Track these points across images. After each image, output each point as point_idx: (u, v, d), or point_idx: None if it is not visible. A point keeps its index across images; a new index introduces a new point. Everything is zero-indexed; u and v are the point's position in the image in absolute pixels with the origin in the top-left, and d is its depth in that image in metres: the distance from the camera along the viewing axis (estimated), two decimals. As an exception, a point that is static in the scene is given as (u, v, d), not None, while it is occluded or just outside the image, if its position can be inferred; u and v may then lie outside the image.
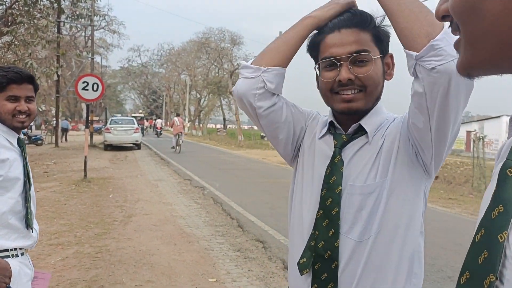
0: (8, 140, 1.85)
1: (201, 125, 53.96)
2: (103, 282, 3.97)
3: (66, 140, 30.11)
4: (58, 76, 19.32)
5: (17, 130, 1.90)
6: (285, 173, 12.96)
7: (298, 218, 1.27)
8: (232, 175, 12.53)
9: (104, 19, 31.48)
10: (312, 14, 1.24)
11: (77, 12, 19.62)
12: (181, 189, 9.60)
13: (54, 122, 29.71)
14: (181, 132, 20.47)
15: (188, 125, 52.97)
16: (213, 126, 71.76)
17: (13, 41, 15.93)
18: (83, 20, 21.01)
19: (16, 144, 1.88)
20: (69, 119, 47.31)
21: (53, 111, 34.55)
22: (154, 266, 4.44)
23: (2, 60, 16.94)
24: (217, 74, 46.13)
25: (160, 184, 10.26)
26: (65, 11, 19.47)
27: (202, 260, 4.70)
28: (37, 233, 1.97)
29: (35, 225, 1.95)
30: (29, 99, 1.88)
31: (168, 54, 55.29)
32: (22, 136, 1.97)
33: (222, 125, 56.48)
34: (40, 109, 39.13)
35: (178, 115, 25.59)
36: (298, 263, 1.22)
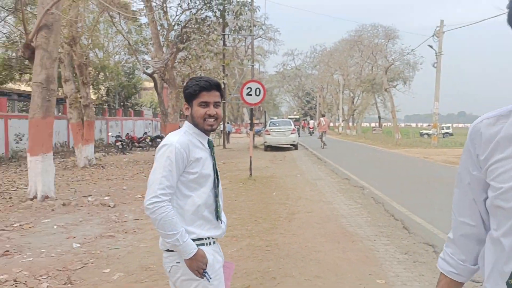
0: (200, 141, 2.11)
1: (355, 124, 52.84)
2: (275, 274, 4.23)
3: (228, 142, 32.86)
4: (224, 84, 21.32)
5: (207, 132, 2.14)
6: (451, 172, 11.79)
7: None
8: (392, 174, 11.97)
9: (261, 28, 33.48)
10: None
11: (239, 25, 21.41)
12: (340, 188, 9.60)
13: (221, 126, 32.93)
14: (325, 131, 24.20)
15: (342, 124, 52.51)
16: (367, 125, 69.56)
17: (187, 56, 18.20)
18: (244, 31, 22.81)
19: (206, 145, 2.13)
20: (233, 123, 51.72)
21: (219, 116, 38.25)
22: (321, 262, 4.54)
23: (179, 73, 19.54)
24: (370, 72, 44.64)
25: (318, 183, 10.43)
26: (229, 24, 21.32)
27: (368, 260, 4.62)
28: (225, 224, 2.21)
29: (223, 217, 2.20)
30: (216, 105, 2.09)
31: (320, 55, 55.78)
32: (210, 138, 2.26)
33: (377, 124, 54.32)
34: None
35: (323, 115, 28.26)
36: (508, 283, 1.04)
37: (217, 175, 2.15)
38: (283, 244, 5.24)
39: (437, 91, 24.26)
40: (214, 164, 2.14)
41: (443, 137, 40.04)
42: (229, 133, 33.66)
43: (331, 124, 53.38)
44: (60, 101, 20.94)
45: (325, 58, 52.65)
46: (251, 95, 11.22)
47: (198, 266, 1.98)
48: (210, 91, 2.07)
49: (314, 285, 3.92)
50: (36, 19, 8.46)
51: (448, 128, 53.17)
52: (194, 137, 2.10)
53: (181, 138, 2.06)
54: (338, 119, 57.05)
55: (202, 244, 2.05)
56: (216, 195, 2.13)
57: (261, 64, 46.96)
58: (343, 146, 26.07)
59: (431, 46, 24.34)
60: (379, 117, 52.85)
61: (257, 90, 11.24)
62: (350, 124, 51.58)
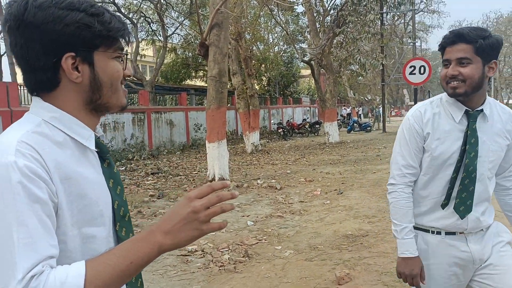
0: (451, 113, 1.73)
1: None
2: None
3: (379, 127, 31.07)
4: (382, 65, 20.39)
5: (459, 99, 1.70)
6: None
7: None
8: None
9: (423, 0, 30.79)
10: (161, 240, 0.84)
11: (398, 0, 20.10)
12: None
13: (380, 109, 31.59)
14: None
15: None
16: None
17: (344, 39, 17.94)
18: (403, 6, 21.32)
19: (459, 119, 1.72)
20: (392, 106, 49.16)
21: (377, 99, 36.82)
22: None
23: (336, 58, 19.42)
24: None
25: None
26: (387, 1, 20.23)
27: None
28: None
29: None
30: (461, 62, 1.64)
31: (495, 24, 48.56)
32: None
33: None
34: (366, 99, 42.54)
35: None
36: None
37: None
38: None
39: None
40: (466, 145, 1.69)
41: None
42: (377, 116, 31.66)
43: (511, 102, 46.28)
44: (230, 93, 23.06)
45: (502, 26, 45.62)
46: (414, 74, 10.50)
47: (403, 271, 1.78)
48: (452, 45, 1.65)
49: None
50: (209, 19, 9.44)
51: None
52: (445, 107, 1.74)
53: (420, 107, 1.80)
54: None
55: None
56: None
57: (424, 40, 43.31)
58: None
59: None
60: None
61: (422, 68, 10.44)
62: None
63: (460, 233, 1.75)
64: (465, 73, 1.61)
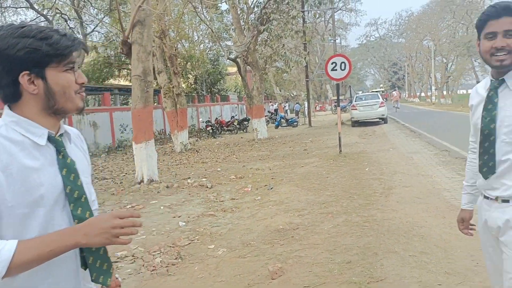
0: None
1: (450, 92, 49.05)
2: (376, 250, 4.15)
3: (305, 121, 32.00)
4: (306, 62, 21.05)
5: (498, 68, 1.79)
6: None
7: None
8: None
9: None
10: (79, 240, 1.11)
11: (318, -1, 20.87)
12: (439, 161, 9.03)
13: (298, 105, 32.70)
14: (397, 100, 38.37)
15: (436, 93, 49.05)
16: (464, 92, 63.97)
17: (268, 37, 18.24)
18: (323, 5, 22.20)
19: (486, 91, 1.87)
20: (316, 101, 51.02)
21: (303, 95, 38.01)
22: (426, 238, 4.34)
23: (261, 55, 19.72)
24: (465, 34, 40.86)
25: (415, 156, 9.92)
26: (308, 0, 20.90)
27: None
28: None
29: None
30: (509, 34, 1.69)
31: (407, 22, 52.46)
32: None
33: (476, 90, 49.77)
34: (292, 95, 43.74)
35: (394, 89, 32.34)
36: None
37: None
38: (382, 220, 5.10)
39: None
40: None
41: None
42: (297, 112, 32.92)
43: (423, 94, 50.38)
44: (156, 92, 22.41)
45: (413, 24, 49.40)
46: (336, 70, 10.95)
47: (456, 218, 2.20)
48: (499, 18, 1.70)
49: (421, 261, 3.77)
50: (130, 17, 9.08)
51: None
52: (486, 80, 1.92)
53: (479, 83, 2.00)
54: (430, 88, 53.36)
55: None
56: None
57: (343, 38, 45.48)
58: (438, 116, 24.38)
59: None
60: (477, 83, 48.41)
61: (342, 65, 10.93)
62: (444, 92, 47.96)
63: (492, 199, 1.86)
64: None
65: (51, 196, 1.15)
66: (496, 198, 1.83)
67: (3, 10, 20.67)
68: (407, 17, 52.90)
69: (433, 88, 50.89)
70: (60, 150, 1.20)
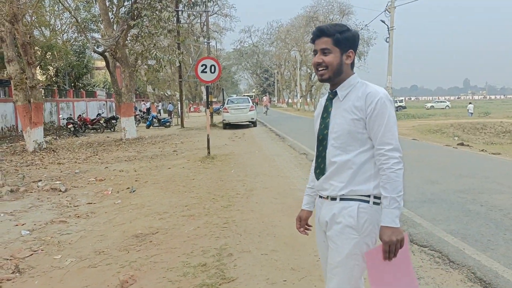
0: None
1: (312, 100, 53.53)
2: (232, 250, 4.24)
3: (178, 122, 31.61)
4: (179, 62, 20.80)
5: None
6: (404, 144, 12.24)
7: None
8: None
9: (217, 4, 32.78)
10: None
11: (193, 0, 20.82)
12: (297, 163, 9.72)
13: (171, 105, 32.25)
14: (266, 105, 42.56)
15: (300, 100, 53.02)
16: (325, 100, 70.30)
17: (139, 33, 17.55)
18: (198, 7, 22.23)
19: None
20: (190, 102, 50.89)
21: (177, 95, 37.55)
22: (278, 237, 4.59)
23: (132, 51, 18.86)
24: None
25: (277, 158, 10.52)
26: (182, 0, 20.68)
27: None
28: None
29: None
30: (324, 52, 1.98)
31: (277, 32, 55.60)
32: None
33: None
34: (166, 94, 42.86)
35: (265, 94, 34.11)
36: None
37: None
38: (240, 221, 5.25)
39: (390, 65, 24.86)
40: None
41: (397, 111, 41.40)
42: (170, 112, 32.68)
43: (290, 101, 53.86)
44: (5, 83, 19.74)
45: (282, 35, 52.56)
46: (206, 72, 11.01)
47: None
48: (318, 38, 1.99)
49: (271, 259, 3.96)
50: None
51: (401, 101, 54.98)
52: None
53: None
54: (297, 96, 57.51)
55: None
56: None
57: (218, 41, 46.23)
58: (301, 122, 26.37)
59: (383, 21, 24.80)
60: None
61: (212, 67, 11.04)
62: (308, 100, 52.17)
63: (324, 198, 2.06)
64: (327, 60, 1.95)
65: None
66: (327, 197, 2.04)
67: None
68: (277, 27, 56.13)
69: (298, 95, 54.96)
70: None
